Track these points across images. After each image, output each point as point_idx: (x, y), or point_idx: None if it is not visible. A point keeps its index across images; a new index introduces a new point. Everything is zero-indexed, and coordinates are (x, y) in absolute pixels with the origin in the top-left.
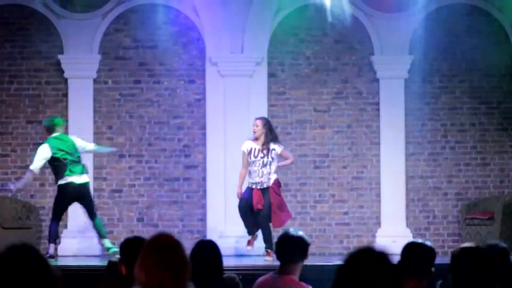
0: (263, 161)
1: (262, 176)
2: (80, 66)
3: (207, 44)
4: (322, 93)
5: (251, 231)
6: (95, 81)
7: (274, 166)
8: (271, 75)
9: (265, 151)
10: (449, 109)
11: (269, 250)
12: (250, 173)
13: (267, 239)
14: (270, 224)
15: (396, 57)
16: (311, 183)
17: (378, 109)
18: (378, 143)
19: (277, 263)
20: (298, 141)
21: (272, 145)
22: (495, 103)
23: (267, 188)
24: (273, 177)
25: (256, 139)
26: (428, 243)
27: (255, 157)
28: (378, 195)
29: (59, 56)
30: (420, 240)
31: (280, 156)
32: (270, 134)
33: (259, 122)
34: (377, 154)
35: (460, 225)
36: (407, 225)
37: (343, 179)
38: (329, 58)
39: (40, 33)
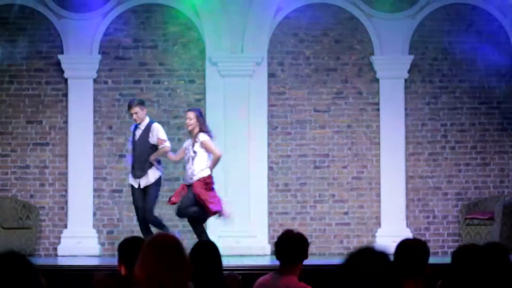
0: (187, 157)
1: (187, 172)
2: (80, 66)
3: (207, 44)
4: (322, 93)
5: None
6: (95, 81)
7: (201, 162)
8: (271, 75)
9: (191, 146)
10: (449, 109)
11: None
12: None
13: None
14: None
15: (396, 57)
16: (311, 183)
17: (378, 109)
18: (378, 143)
19: (277, 263)
20: (298, 141)
21: (199, 137)
22: (495, 103)
23: (191, 185)
24: (201, 174)
25: (190, 133)
26: (420, 239)
27: (186, 153)
28: (378, 195)
29: (59, 56)
30: (411, 237)
31: (204, 148)
32: (204, 126)
33: (191, 115)
34: (377, 154)
35: (460, 225)
36: (407, 225)
37: (343, 179)
38: (329, 58)
39: (40, 33)
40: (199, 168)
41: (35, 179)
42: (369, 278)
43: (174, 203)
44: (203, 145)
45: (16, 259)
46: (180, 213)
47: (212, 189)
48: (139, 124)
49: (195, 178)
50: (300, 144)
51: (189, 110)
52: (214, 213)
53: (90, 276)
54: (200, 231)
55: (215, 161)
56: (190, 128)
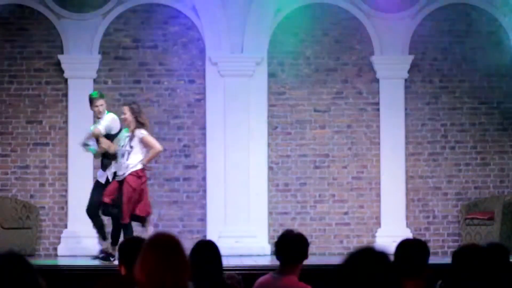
0: (122, 151)
1: (121, 168)
2: (80, 66)
3: (207, 44)
4: (322, 93)
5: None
6: (95, 81)
7: (136, 156)
8: (271, 75)
9: (127, 139)
10: (449, 109)
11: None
12: None
13: (112, 236)
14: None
15: (396, 57)
16: (311, 183)
17: (378, 109)
18: (378, 143)
19: (277, 263)
20: (298, 141)
21: (137, 132)
22: (495, 103)
23: (123, 180)
24: (134, 168)
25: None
26: (420, 239)
27: (120, 146)
28: (378, 195)
29: (59, 56)
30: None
31: (144, 144)
32: (139, 121)
33: (125, 109)
34: (377, 154)
35: (460, 225)
36: (407, 225)
37: (343, 179)
38: (329, 58)
39: (40, 33)
40: (133, 162)
41: (35, 179)
42: (369, 278)
43: (105, 203)
44: (143, 141)
45: (14, 260)
46: (104, 211)
47: (145, 184)
48: (99, 118)
49: (128, 171)
50: (300, 144)
51: (124, 104)
52: (131, 218)
53: (90, 276)
54: (126, 232)
55: (155, 155)
56: (126, 123)
